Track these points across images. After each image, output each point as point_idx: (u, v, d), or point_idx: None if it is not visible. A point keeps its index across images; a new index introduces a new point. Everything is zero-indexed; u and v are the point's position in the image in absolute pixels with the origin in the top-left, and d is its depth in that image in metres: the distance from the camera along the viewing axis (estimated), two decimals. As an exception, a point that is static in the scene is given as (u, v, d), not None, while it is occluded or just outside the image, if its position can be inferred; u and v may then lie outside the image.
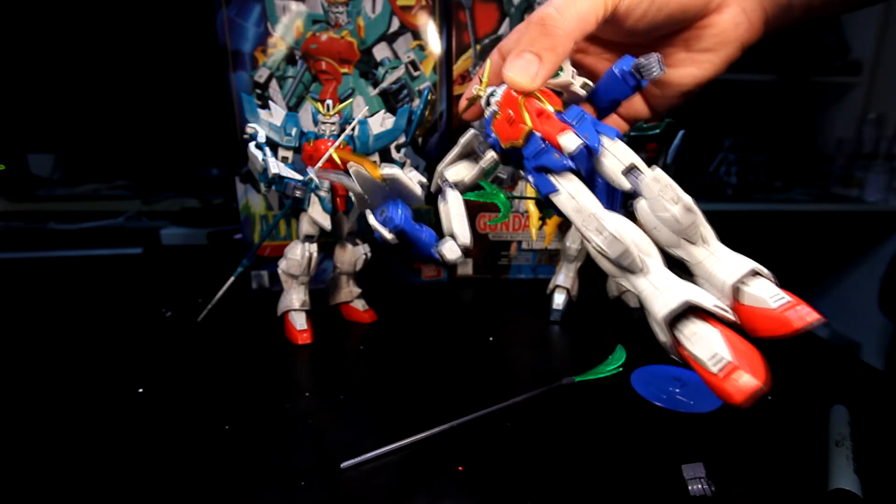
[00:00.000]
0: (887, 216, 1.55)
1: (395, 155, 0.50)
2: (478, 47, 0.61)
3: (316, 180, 0.46)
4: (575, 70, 0.31)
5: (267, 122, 0.47)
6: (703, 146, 1.60)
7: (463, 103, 0.33)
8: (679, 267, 0.26)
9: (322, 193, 0.47)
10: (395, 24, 0.58)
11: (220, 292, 0.52)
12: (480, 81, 0.31)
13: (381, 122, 0.49)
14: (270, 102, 0.49)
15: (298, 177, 0.46)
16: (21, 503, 0.30)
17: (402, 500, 0.30)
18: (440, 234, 0.34)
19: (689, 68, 0.33)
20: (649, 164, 0.26)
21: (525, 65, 0.28)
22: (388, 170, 0.35)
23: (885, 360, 1.48)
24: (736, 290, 0.24)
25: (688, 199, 0.24)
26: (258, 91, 0.58)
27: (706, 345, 0.22)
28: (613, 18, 0.30)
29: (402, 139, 0.49)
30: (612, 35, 0.33)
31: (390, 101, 0.60)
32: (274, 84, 0.58)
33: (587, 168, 0.27)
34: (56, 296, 0.66)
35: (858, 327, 1.65)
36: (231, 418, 0.38)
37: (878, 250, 1.61)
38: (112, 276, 0.74)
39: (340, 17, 0.57)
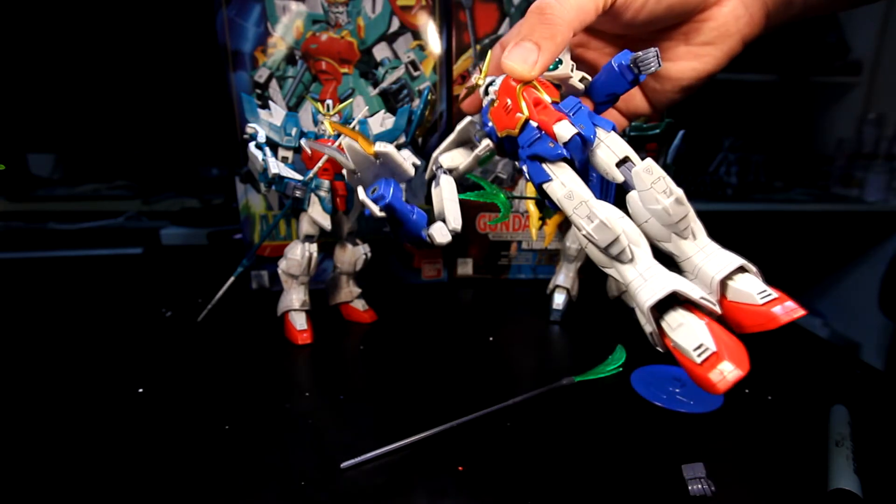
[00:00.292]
0: (887, 216, 1.55)
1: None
2: (478, 47, 0.61)
3: (317, 179, 0.46)
4: (574, 64, 0.31)
5: (267, 122, 0.47)
6: (703, 146, 1.60)
7: (463, 92, 0.33)
8: (667, 262, 0.26)
9: (322, 193, 0.47)
10: (395, 24, 0.58)
11: (220, 292, 0.52)
12: (480, 72, 0.31)
13: (381, 122, 0.49)
14: (270, 102, 0.49)
15: (298, 177, 0.46)
16: (21, 503, 0.30)
17: (402, 500, 0.30)
18: (432, 220, 0.34)
19: (689, 62, 0.33)
20: None
21: (523, 53, 0.28)
22: (382, 147, 0.35)
23: (885, 360, 1.48)
24: (723, 286, 0.24)
25: (679, 192, 0.24)
26: (258, 91, 0.58)
27: (691, 334, 0.22)
28: (613, 10, 0.30)
29: (402, 139, 0.49)
30: (612, 27, 0.33)
31: (390, 101, 0.60)
32: (274, 84, 0.58)
33: (581, 159, 0.27)
34: (56, 296, 0.66)
35: (858, 327, 1.65)
36: (231, 418, 0.38)
37: (878, 250, 1.61)
38: (112, 276, 0.74)
39: (340, 17, 0.57)
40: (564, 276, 0.56)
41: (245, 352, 0.48)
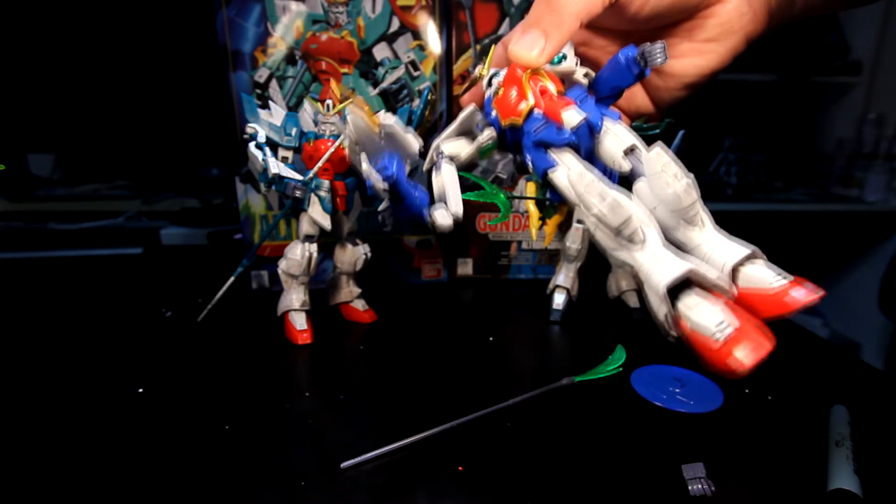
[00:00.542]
0: (887, 216, 1.55)
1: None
2: (478, 47, 0.61)
3: (317, 179, 0.46)
4: (578, 59, 0.31)
5: (267, 122, 0.47)
6: (703, 146, 1.60)
7: (466, 85, 0.33)
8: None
9: (322, 193, 0.47)
10: (395, 24, 0.58)
11: (220, 292, 0.52)
12: (483, 64, 0.31)
13: (381, 122, 0.49)
14: (270, 102, 0.49)
15: (298, 177, 0.46)
16: (21, 503, 0.30)
17: (402, 500, 0.30)
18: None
19: (692, 59, 0.33)
20: None
21: (530, 40, 0.28)
22: (386, 121, 0.34)
23: (885, 360, 1.48)
24: (734, 274, 0.24)
25: (690, 176, 0.24)
26: (258, 91, 0.58)
27: (711, 312, 0.22)
28: (618, 3, 0.30)
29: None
30: (616, 23, 0.33)
31: (390, 101, 0.60)
32: (274, 84, 0.58)
33: (587, 148, 0.27)
34: (56, 296, 0.66)
35: (858, 327, 1.65)
36: (231, 418, 0.38)
37: (878, 250, 1.61)
38: (112, 276, 0.74)
39: (340, 17, 0.57)
40: (564, 276, 0.56)
41: (245, 352, 0.48)
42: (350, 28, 0.57)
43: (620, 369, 0.44)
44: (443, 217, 0.31)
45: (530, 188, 0.56)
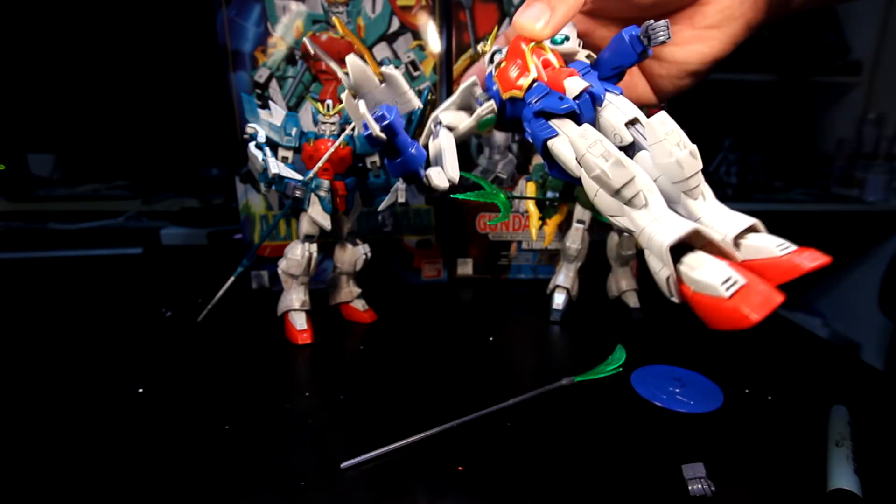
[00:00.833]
0: (887, 216, 1.55)
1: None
2: (478, 47, 0.61)
3: (317, 179, 0.46)
4: (581, 41, 0.31)
5: (267, 122, 0.47)
6: (703, 146, 1.60)
7: (461, 60, 0.32)
8: None
9: (322, 193, 0.47)
10: (395, 24, 0.58)
11: (220, 292, 0.52)
12: (486, 41, 0.31)
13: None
14: (270, 102, 0.49)
15: (298, 177, 0.46)
16: (21, 503, 0.30)
17: (402, 500, 0.30)
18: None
19: (694, 46, 0.33)
20: None
21: (536, 12, 0.28)
22: (389, 69, 0.33)
23: (885, 360, 1.48)
24: (736, 245, 0.23)
25: (692, 145, 0.23)
26: (258, 91, 0.58)
27: (716, 270, 0.21)
28: None
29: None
30: (618, 9, 0.33)
31: (390, 101, 0.60)
32: (274, 84, 0.58)
33: (589, 119, 0.27)
34: (56, 296, 0.66)
35: (858, 327, 1.65)
36: (231, 418, 0.38)
37: (878, 250, 1.61)
38: (112, 276, 0.74)
39: (340, 17, 0.57)
40: (564, 276, 0.56)
41: (245, 352, 0.48)
42: (350, 28, 0.57)
43: (620, 369, 0.44)
44: (439, 177, 0.30)
45: (530, 188, 0.56)
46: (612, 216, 0.25)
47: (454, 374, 0.45)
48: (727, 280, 0.21)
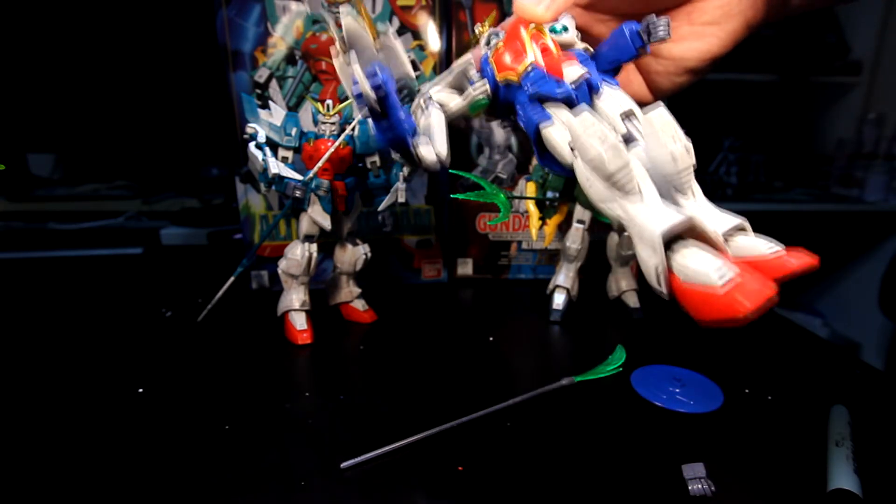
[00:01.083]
0: (887, 216, 1.55)
1: (394, 155, 0.50)
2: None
3: (317, 179, 0.46)
4: (579, 34, 0.30)
5: (267, 122, 0.47)
6: (703, 146, 1.60)
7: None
8: None
9: (322, 193, 0.47)
10: (395, 24, 0.58)
11: (220, 292, 0.52)
12: (483, 24, 0.31)
13: (381, 122, 0.48)
14: (270, 102, 0.49)
15: (298, 177, 0.46)
16: (21, 503, 0.30)
17: (402, 500, 0.30)
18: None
19: (692, 42, 0.33)
20: None
21: None
22: (386, 37, 0.31)
23: (885, 360, 1.48)
24: (725, 244, 0.23)
25: (688, 141, 0.23)
26: (258, 91, 0.58)
27: (708, 260, 0.21)
28: None
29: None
30: (616, 3, 0.33)
31: (390, 101, 0.60)
32: (274, 84, 0.58)
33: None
34: (56, 296, 0.66)
35: (858, 327, 1.65)
36: (231, 418, 0.38)
37: (878, 250, 1.61)
38: (112, 276, 0.74)
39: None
40: (564, 276, 0.56)
41: (245, 352, 0.48)
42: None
43: (620, 369, 0.44)
44: (428, 151, 0.29)
45: (530, 188, 0.56)
46: (603, 204, 0.24)
47: (454, 374, 0.45)
48: (720, 270, 0.20)
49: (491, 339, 0.52)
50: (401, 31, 0.58)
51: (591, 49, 0.30)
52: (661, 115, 0.24)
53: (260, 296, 0.63)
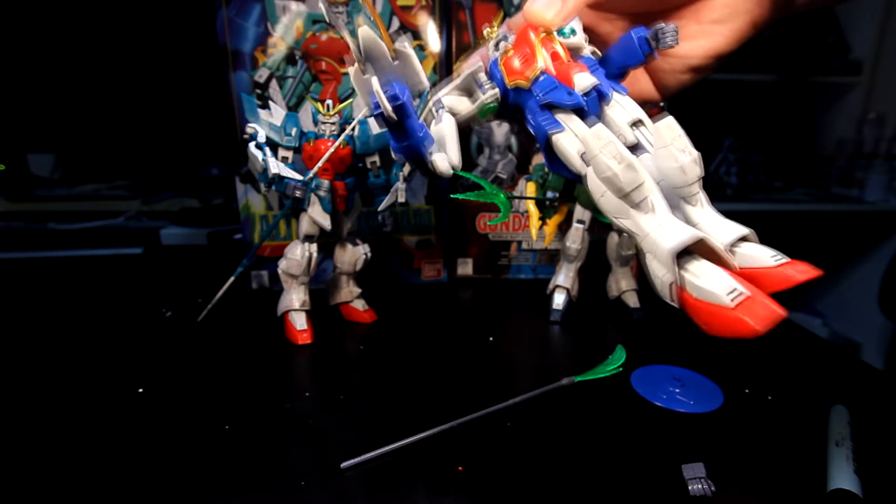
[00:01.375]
0: (887, 216, 1.55)
1: (394, 155, 0.50)
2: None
3: (317, 179, 0.46)
4: (587, 37, 0.30)
5: (267, 122, 0.47)
6: (703, 146, 1.60)
7: (462, 58, 0.32)
8: None
9: (322, 193, 0.47)
10: (395, 24, 0.58)
11: (220, 292, 0.52)
12: (492, 26, 0.31)
13: (381, 122, 0.49)
14: (270, 102, 0.49)
15: (298, 177, 0.46)
16: (21, 503, 0.30)
17: (402, 500, 0.30)
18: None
19: (698, 40, 0.33)
20: None
21: (547, 1, 0.28)
22: (402, 46, 0.31)
23: (885, 360, 1.48)
24: (731, 254, 0.24)
25: (696, 152, 0.24)
26: (258, 91, 0.58)
27: (721, 279, 0.21)
28: None
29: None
30: (624, 2, 0.33)
31: (390, 101, 0.60)
32: (274, 84, 0.58)
33: (594, 114, 0.27)
34: (56, 296, 0.66)
35: (858, 327, 1.65)
36: (231, 418, 0.38)
37: (878, 250, 1.61)
38: (112, 276, 0.74)
39: (340, 17, 0.57)
40: (564, 276, 0.56)
41: (245, 352, 0.48)
42: (350, 28, 0.57)
43: (620, 369, 0.44)
44: (443, 162, 0.29)
45: (530, 188, 0.56)
46: (616, 218, 0.25)
47: (454, 374, 0.45)
48: (732, 290, 0.21)
49: (491, 339, 0.52)
50: (401, 31, 0.58)
51: (599, 52, 0.30)
52: (669, 126, 0.24)
53: (260, 296, 0.63)
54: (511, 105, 0.30)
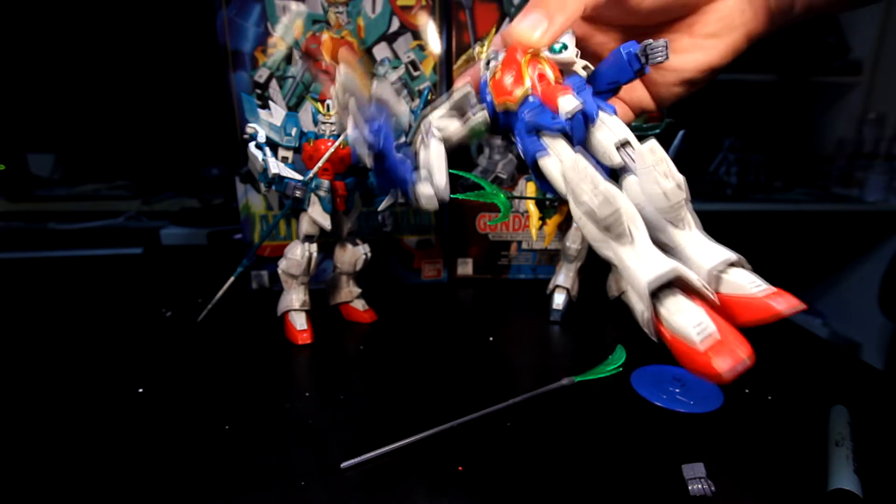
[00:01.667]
0: (887, 216, 1.55)
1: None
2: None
3: (317, 179, 0.46)
4: (578, 51, 0.30)
5: (267, 122, 0.47)
6: (703, 146, 1.60)
7: (461, 61, 0.32)
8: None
9: (322, 193, 0.47)
10: (395, 24, 0.58)
11: (220, 292, 0.52)
12: (482, 44, 0.31)
13: (381, 122, 0.49)
14: (270, 102, 0.49)
15: (298, 177, 0.46)
16: (21, 503, 0.30)
17: (402, 500, 0.30)
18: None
19: (692, 54, 0.33)
20: None
21: (533, 21, 0.28)
22: (380, 91, 0.31)
23: (885, 360, 1.48)
24: (715, 279, 0.24)
25: (679, 177, 0.24)
26: (258, 91, 0.58)
27: (690, 315, 0.22)
28: None
29: (402, 139, 0.49)
30: (617, 16, 0.33)
31: (390, 101, 0.60)
32: (274, 84, 0.58)
33: (580, 138, 0.27)
34: (56, 296, 0.66)
35: (858, 327, 1.65)
36: (231, 418, 0.38)
37: (878, 250, 1.61)
38: (112, 276, 0.74)
39: (340, 16, 0.57)
40: (564, 276, 0.56)
41: (245, 352, 0.48)
42: (350, 28, 0.57)
43: (620, 369, 0.44)
44: (426, 194, 0.30)
45: (530, 188, 0.56)
46: (595, 244, 0.25)
47: (454, 374, 0.45)
48: (703, 331, 0.21)
49: (491, 339, 0.52)
50: (401, 31, 0.58)
51: (591, 66, 0.30)
52: (652, 151, 0.24)
53: (260, 296, 0.63)
54: (502, 125, 0.30)
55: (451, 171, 0.36)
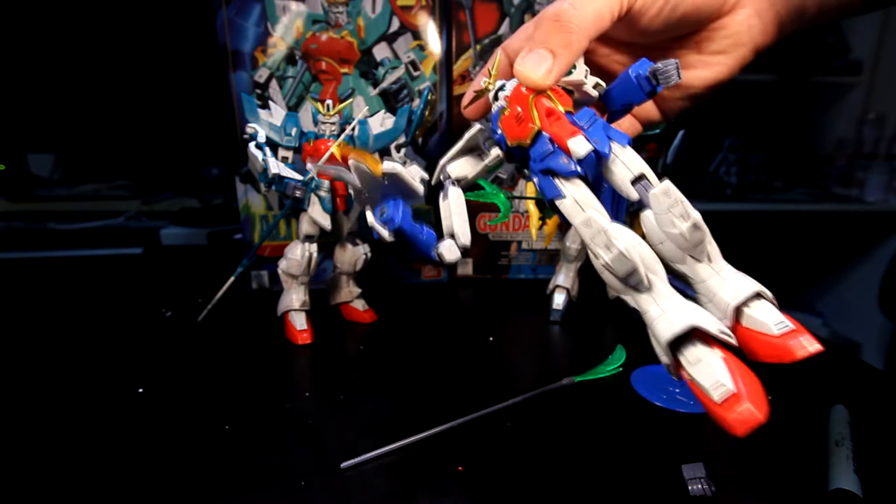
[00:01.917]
0: (887, 216, 1.55)
1: (395, 155, 0.50)
2: (478, 47, 0.61)
3: (317, 179, 0.46)
4: (587, 69, 0.30)
5: (267, 122, 0.47)
6: (702, 146, 1.60)
7: (469, 95, 0.32)
8: (681, 280, 0.26)
9: (322, 193, 0.47)
10: (395, 24, 0.58)
11: (220, 292, 0.52)
12: (490, 74, 0.31)
13: (381, 122, 0.49)
14: (270, 102, 0.49)
15: (298, 177, 0.46)
16: (21, 503, 0.30)
17: (402, 500, 0.30)
18: (439, 233, 0.33)
19: (700, 71, 0.33)
20: (650, 164, 0.26)
21: (538, 60, 0.27)
22: (390, 165, 0.34)
23: (885, 360, 1.48)
24: (738, 312, 0.24)
25: (697, 216, 0.24)
26: (258, 91, 0.58)
27: (709, 371, 0.22)
28: (628, 17, 0.29)
29: (402, 139, 0.49)
30: (625, 35, 0.32)
31: (390, 101, 0.60)
32: (274, 84, 0.58)
33: (594, 174, 0.27)
34: (56, 296, 0.66)
35: (858, 327, 1.65)
36: (231, 418, 0.38)
37: (878, 250, 1.61)
38: (112, 276, 0.74)
39: (340, 16, 0.57)
40: (564, 276, 0.56)
41: (245, 352, 0.48)
42: (350, 28, 0.57)
43: (620, 369, 0.44)
44: (450, 252, 0.31)
45: (530, 188, 0.56)
46: (617, 293, 0.26)
47: (454, 374, 0.45)
48: (719, 386, 0.22)
49: (491, 339, 0.52)
50: (401, 31, 0.58)
51: (602, 84, 0.30)
52: (667, 194, 0.24)
53: (260, 296, 0.63)
54: (518, 157, 0.30)
55: None
